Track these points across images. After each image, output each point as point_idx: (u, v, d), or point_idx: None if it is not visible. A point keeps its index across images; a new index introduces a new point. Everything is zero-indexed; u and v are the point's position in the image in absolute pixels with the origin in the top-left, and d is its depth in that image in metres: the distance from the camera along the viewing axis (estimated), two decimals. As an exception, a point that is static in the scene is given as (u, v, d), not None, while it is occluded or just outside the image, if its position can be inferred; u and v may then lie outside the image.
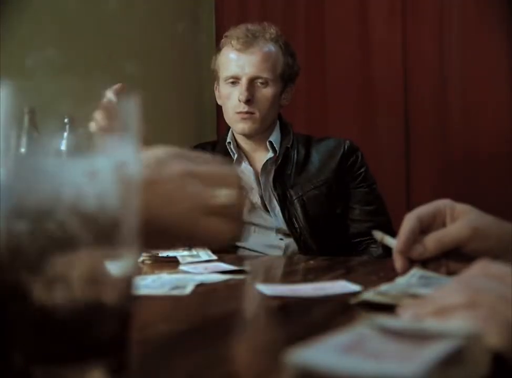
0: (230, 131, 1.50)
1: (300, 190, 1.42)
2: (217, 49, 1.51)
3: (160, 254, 1.00)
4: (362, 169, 1.47)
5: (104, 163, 0.33)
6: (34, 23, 1.79)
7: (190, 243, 0.56)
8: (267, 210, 1.42)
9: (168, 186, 0.47)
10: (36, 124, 0.41)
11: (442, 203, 0.65)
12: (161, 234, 0.47)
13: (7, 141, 0.34)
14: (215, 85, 1.52)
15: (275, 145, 1.45)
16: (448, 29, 2.25)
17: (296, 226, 1.38)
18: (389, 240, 0.66)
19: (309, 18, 2.47)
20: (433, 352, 0.29)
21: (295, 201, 1.40)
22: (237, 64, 1.41)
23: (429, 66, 2.29)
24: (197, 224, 0.48)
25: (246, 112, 1.40)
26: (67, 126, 0.39)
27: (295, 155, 1.46)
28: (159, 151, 0.50)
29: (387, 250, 0.70)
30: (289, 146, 1.45)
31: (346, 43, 2.40)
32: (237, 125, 1.44)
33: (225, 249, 1.18)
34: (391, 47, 2.33)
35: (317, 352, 0.30)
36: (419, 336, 0.31)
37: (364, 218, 1.44)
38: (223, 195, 0.49)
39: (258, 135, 1.45)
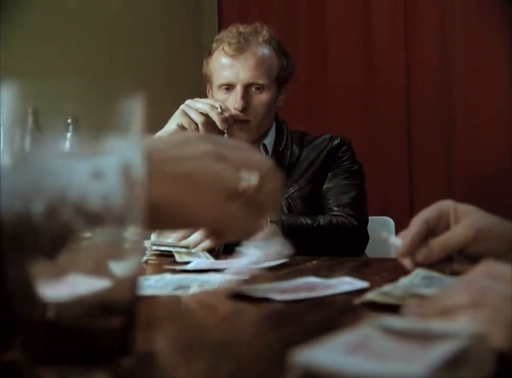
0: (225, 136, 1.45)
1: (286, 192, 1.39)
2: (208, 52, 1.45)
3: (158, 249, 1.00)
4: (345, 153, 1.44)
5: (109, 163, 0.33)
6: (37, 24, 1.80)
7: (210, 228, 0.51)
8: None
9: (190, 163, 0.45)
10: (40, 124, 0.41)
11: (445, 205, 0.66)
12: (174, 213, 0.45)
13: (11, 141, 0.34)
14: (207, 89, 1.49)
15: (268, 148, 1.43)
16: (451, 31, 2.24)
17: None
18: (395, 240, 0.66)
19: (310, 14, 2.47)
20: (438, 352, 0.29)
21: (282, 203, 1.38)
22: (231, 70, 1.37)
23: (431, 68, 2.29)
24: (218, 207, 0.46)
25: (242, 120, 1.37)
26: (71, 127, 0.39)
27: (288, 157, 1.44)
28: (189, 134, 0.49)
29: None
30: (280, 150, 1.43)
31: (348, 43, 2.40)
32: (234, 134, 1.41)
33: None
34: (393, 50, 2.33)
35: (322, 352, 0.30)
36: (423, 337, 0.31)
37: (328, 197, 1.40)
38: (251, 180, 0.47)
39: (254, 141, 1.44)
